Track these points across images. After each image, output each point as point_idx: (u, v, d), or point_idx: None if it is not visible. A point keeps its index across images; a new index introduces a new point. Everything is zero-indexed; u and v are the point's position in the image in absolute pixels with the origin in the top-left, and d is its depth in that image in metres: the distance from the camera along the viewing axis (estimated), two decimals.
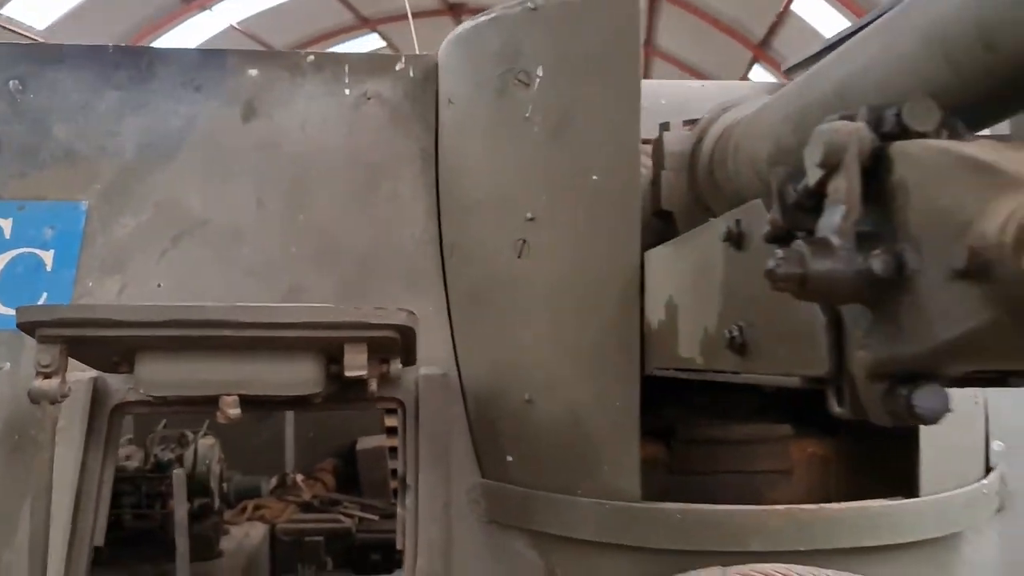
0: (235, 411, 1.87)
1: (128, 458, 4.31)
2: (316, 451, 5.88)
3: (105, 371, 2.10)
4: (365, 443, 5.60)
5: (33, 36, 17.34)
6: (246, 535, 4.73)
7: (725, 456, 2.26)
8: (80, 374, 2.16)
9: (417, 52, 2.81)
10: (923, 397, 0.99)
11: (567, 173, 2.08)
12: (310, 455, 5.91)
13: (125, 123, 2.53)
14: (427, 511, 2.15)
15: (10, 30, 16.71)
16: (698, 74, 22.96)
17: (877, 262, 0.96)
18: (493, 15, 2.24)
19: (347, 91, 2.62)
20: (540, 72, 2.10)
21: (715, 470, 2.24)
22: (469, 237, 2.34)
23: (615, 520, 2.00)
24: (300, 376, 1.88)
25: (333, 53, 2.79)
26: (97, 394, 2.18)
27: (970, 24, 1.09)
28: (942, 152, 0.94)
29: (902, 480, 2.09)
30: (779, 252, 1.00)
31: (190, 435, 4.47)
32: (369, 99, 2.60)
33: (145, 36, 20.33)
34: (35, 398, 1.79)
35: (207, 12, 21.60)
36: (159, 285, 2.35)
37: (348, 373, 1.85)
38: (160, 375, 1.88)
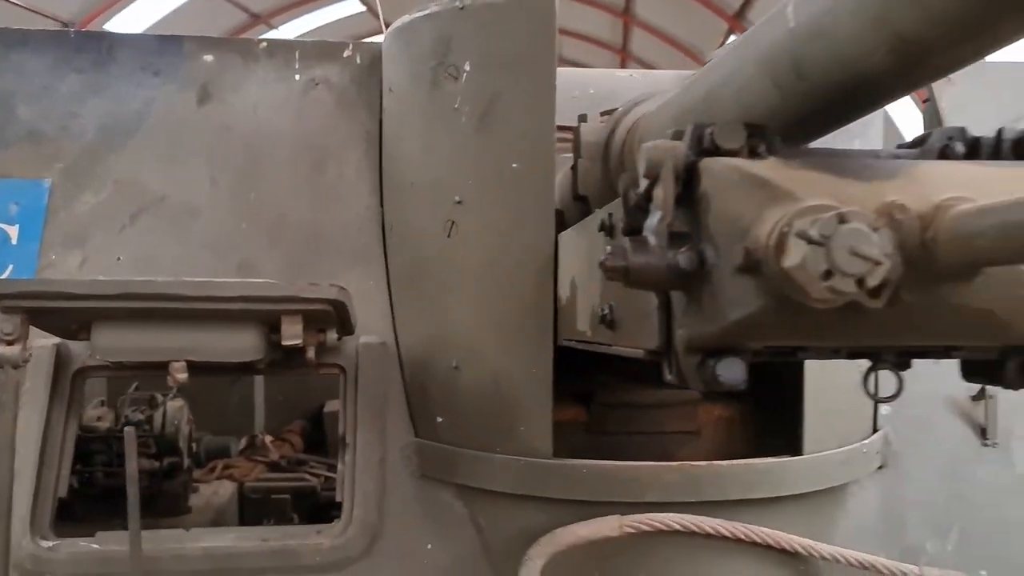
0: (183, 375, 2.07)
1: (100, 419, 4.50)
2: (285, 413, 6.08)
3: (67, 338, 2.29)
4: (332, 406, 5.79)
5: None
6: (215, 492, 4.94)
7: (638, 418, 2.48)
8: (44, 341, 2.35)
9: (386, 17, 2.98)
10: (725, 368, 1.20)
11: (490, 161, 2.27)
12: (279, 417, 6.11)
13: (86, 105, 2.69)
14: (364, 466, 2.37)
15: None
16: (675, 43, 23.19)
17: (683, 257, 1.17)
18: (428, 11, 2.42)
19: (297, 76, 2.79)
20: (468, 67, 2.29)
21: (629, 431, 2.47)
22: (406, 217, 2.53)
23: (529, 474, 2.23)
24: (242, 344, 2.08)
25: (285, 40, 2.95)
26: (60, 359, 2.37)
27: (786, 55, 1.29)
28: (733, 169, 1.15)
29: (791, 440, 2.33)
30: (608, 247, 1.21)
31: (160, 397, 4.65)
32: (318, 84, 2.78)
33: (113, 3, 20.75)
34: None
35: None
36: (118, 259, 2.53)
37: (285, 342, 2.05)
38: (114, 342, 2.07)
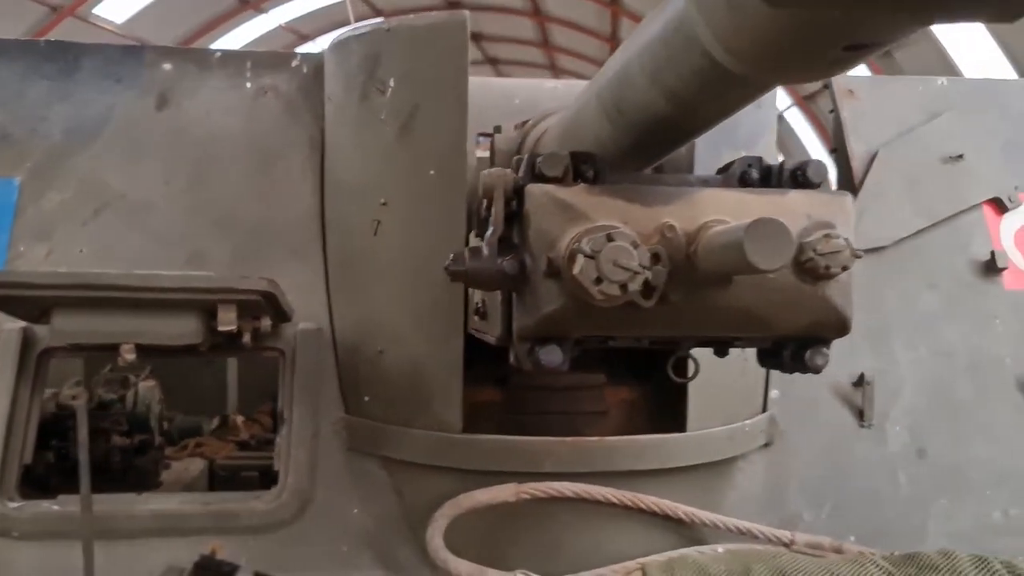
0: (131, 356, 2.35)
1: (75, 398, 4.78)
2: (257, 395, 6.34)
3: (32, 322, 2.56)
4: None
5: (113, 30, 18.06)
6: (185, 469, 5.22)
7: (550, 399, 2.76)
8: (12, 324, 2.62)
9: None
10: (545, 353, 1.49)
11: (410, 168, 2.54)
12: (251, 399, 6.37)
13: (53, 109, 2.95)
14: (298, 439, 2.64)
15: (96, 25, 17.37)
16: None
17: (508, 264, 1.45)
18: (360, 32, 2.68)
19: (248, 84, 3.05)
20: (392, 82, 2.55)
21: (542, 411, 2.75)
22: (341, 215, 2.80)
23: (440, 447, 2.51)
24: (183, 329, 2.35)
25: (238, 51, 3.20)
26: (26, 341, 2.64)
27: (611, 95, 1.57)
28: (546, 194, 1.44)
29: (680, 419, 2.61)
30: (451, 255, 1.49)
31: (132, 378, 4.93)
32: (267, 92, 3.04)
33: (206, 32, 21.33)
34: None
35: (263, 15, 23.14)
36: (81, 251, 2.80)
37: (220, 327, 2.33)
38: (71, 327, 2.34)
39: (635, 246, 1.31)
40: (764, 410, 2.85)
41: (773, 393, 2.88)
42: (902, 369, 2.96)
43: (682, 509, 2.51)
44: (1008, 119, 3.30)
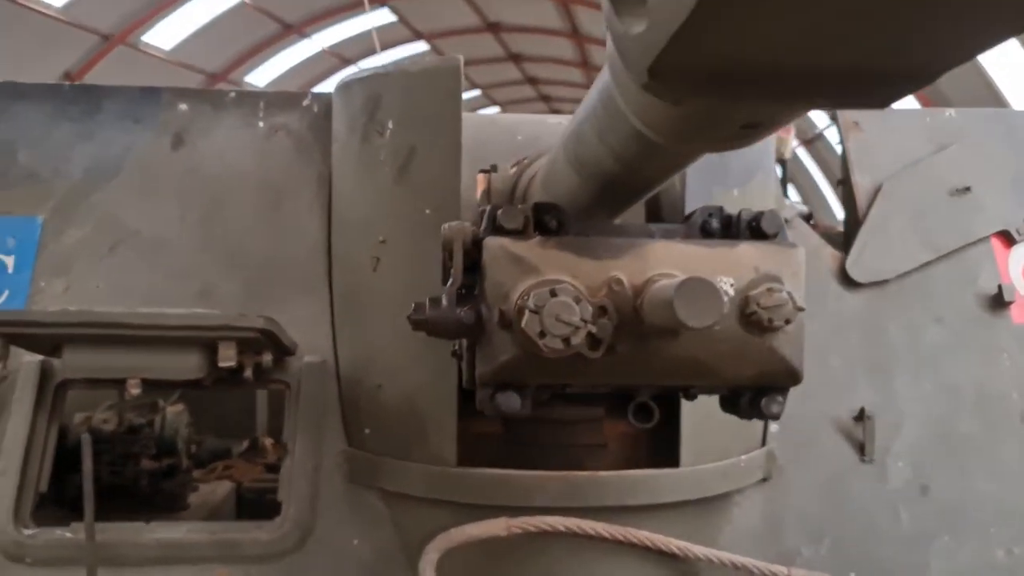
0: (137, 390, 2.45)
1: (105, 422, 4.93)
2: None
3: (48, 356, 2.68)
4: None
5: (162, 56, 18.81)
6: (212, 492, 5.34)
7: (549, 432, 2.80)
8: (31, 357, 2.74)
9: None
10: (502, 399, 1.54)
11: (408, 207, 2.61)
12: (280, 421, 6.46)
13: (75, 150, 3.09)
14: (301, 471, 2.72)
15: (145, 52, 18.10)
16: None
17: (466, 314, 1.51)
18: (363, 75, 2.78)
19: (261, 123, 3.16)
20: (391, 124, 2.63)
21: (540, 443, 2.79)
22: (346, 251, 2.88)
23: (435, 480, 2.56)
24: (186, 365, 2.44)
25: (251, 91, 3.32)
26: (44, 373, 2.76)
27: (572, 146, 1.62)
28: (501, 247, 1.49)
29: (674, 454, 2.63)
30: (413, 305, 1.55)
31: (161, 402, 5.07)
32: (278, 131, 3.14)
33: (251, 57, 21.99)
34: None
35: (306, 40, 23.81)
36: (97, 286, 2.92)
37: (221, 363, 2.41)
38: (79, 362, 2.45)
39: (578, 301, 1.36)
40: (764, 444, 2.85)
41: (772, 427, 2.88)
42: (905, 404, 2.94)
43: (675, 544, 2.52)
44: (1018, 150, 3.27)
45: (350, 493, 2.74)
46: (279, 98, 3.20)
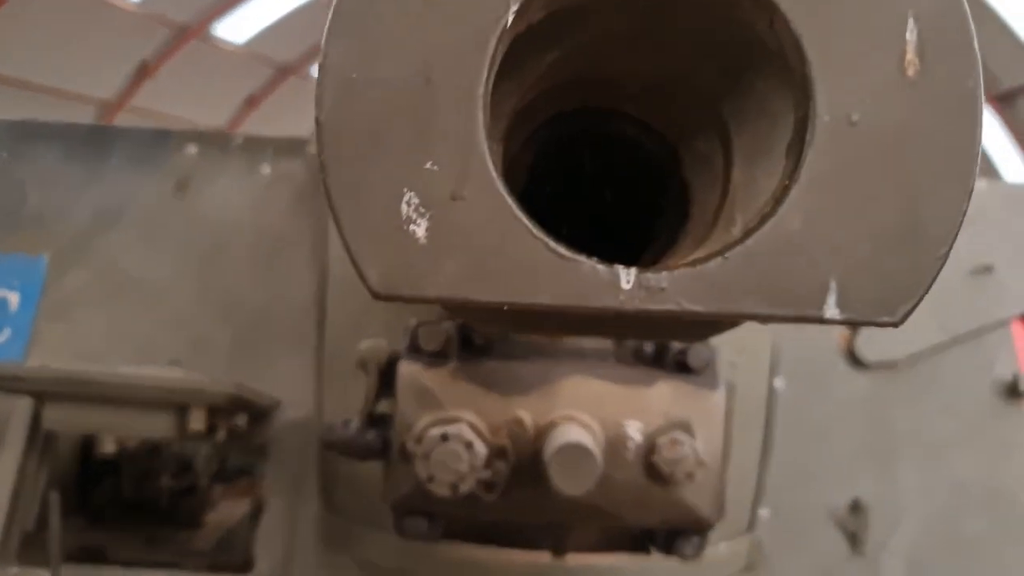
0: (110, 447, 2.48)
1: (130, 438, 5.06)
2: None
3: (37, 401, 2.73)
4: None
5: (129, 7, 19.13)
6: (230, 511, 5.43)
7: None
8: (26, 399, 2.79)
9: None
10: (409, 524, 1.50)
11: None
12: None
13: (84, 191, 3.14)
14: (275, 531, 2.72)
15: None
16: None
17: (374, 439, 1.48)
18: None
19: (266, 170, 3.16)
20: None
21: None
22: (337, 308, 2.87)
23: (404, 554, 2.53)
24: (157, 425, 2.46)
25: (261, 137, 3.32)
26: (36, 415, 2.81)
27: None
28: (411, 374, 1.45)
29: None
30: (326, 425, 1.52)
31: None
32: (281, 178, 3.15)
33: (231, 3, 22.12)
34: None
35: None
36: (94, 333, 2.96)
37: (191, 427, 2.42)
38: (58, 416, 2.49)
39: (469, 446, 1.33)
40: (750, 530, 2.74)
41: (763, 512, 2.77)
42: (906, 496, 2.80)
43: None
44: None
45: (325, 557, 2.72)
46: (286, 144, 3.20)
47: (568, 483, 1.20)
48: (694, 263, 0.86)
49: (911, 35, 0.86)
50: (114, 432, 2.47)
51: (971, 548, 2.75)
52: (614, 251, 0.90)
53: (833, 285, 0.86)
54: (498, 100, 0.97)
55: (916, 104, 0.87)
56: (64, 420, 2.50)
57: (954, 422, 2.87)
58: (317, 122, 0.91)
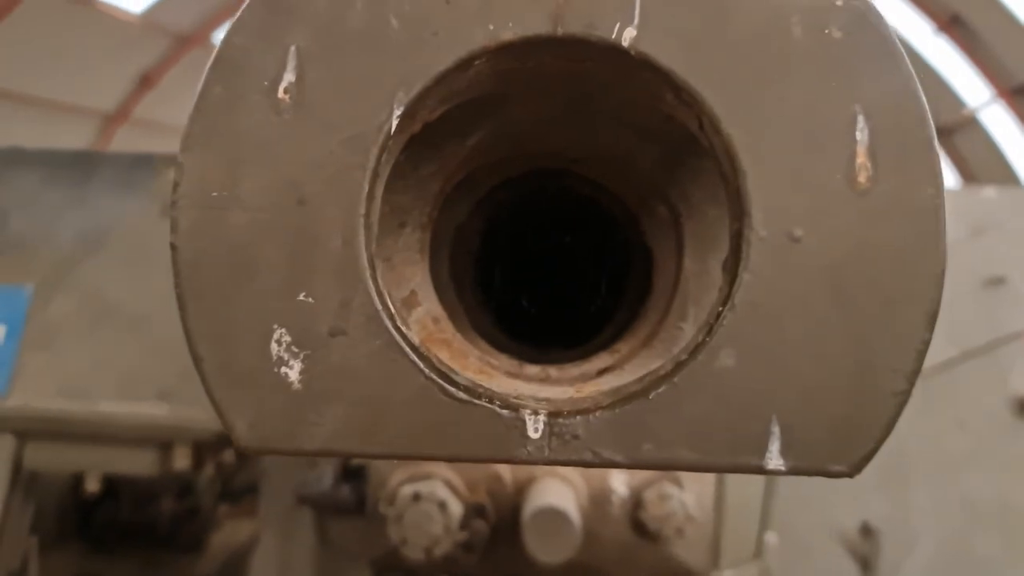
0: (95, 485, 2.40)
1: None
2: None
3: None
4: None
5: (129, 18, 19.06)
6: (233, 533, 5.36)
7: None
8: (10, 438, 2.72)
9: None
10: None
11: None
12: None
13: (65, 217, 3.06)
14: (267, 566, 2.64)
15: (109, 15, 18.37)
16: None
17: (348, 495, 1.40)
18: None
19: None
20: None
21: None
22: None
23: None
24: (142, 463, 2.39)
25: None
26: (19, 455, 2.74)
27: None
28: None
29: None
30: (298, 478, 1.44)
31: None
32: None
33: (230, 13, 21.94)
34: None
35: None
36: (78, 363, 2.88)
37: (176, 465, 2.35)
38: (40, 456, 2.42)
39: (443, 507, 1.25)
40: (757, 555, 2.65)
41: (770, 537, 2.68)
42: (919, 518, 2.71)
43: None
44: None
45: None
46: None
47: (545, 551, 1.12)
48: (613, 405, 0.75)
49: (861, 134, 0.74)
50: (97, 470, 2.39)
51: (985, 568, 2.65)
52: (572, 321, 0.81)
53: (775, 431, 0.75)
54: (418, 183, 0.88)
55: (869, 216, 0.76)
56: (46, 460, 2.43)
57: (967, 439, 2.78)
58: (172, 248, 0.81)
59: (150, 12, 19.61)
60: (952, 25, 15.83)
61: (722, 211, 0.77)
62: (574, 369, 1.02)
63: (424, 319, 0.98)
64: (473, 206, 1.08)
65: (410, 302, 0.98)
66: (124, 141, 20.43)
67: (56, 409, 2.36)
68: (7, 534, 2.73)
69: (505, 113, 0.89)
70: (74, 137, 19.47)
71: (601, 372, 0.99)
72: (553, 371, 1.01)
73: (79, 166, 3.12)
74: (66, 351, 2.91)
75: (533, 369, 1.01)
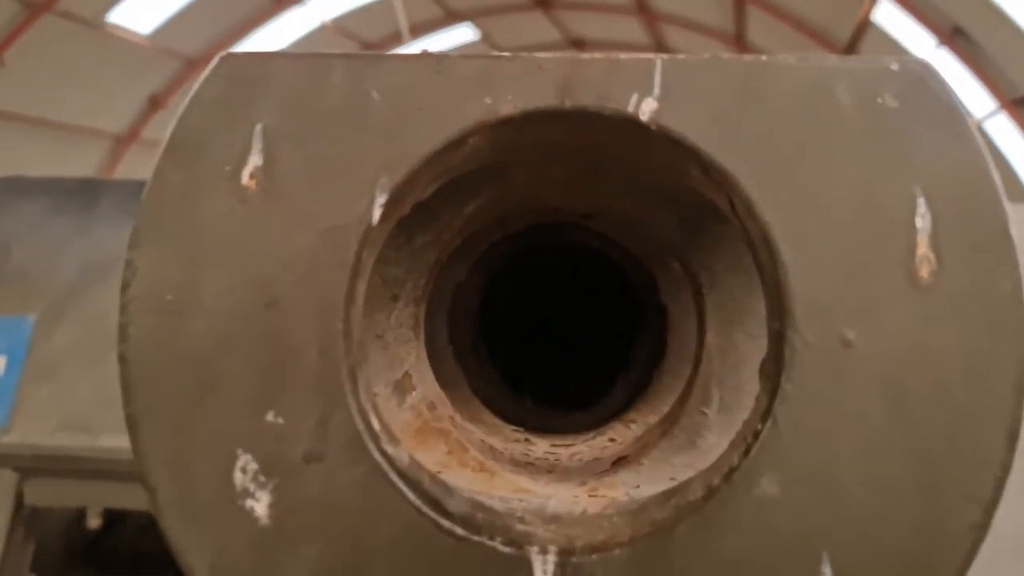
0: (96, 521, 2.36)
1: None
2: None
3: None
4: None
5: (139, 41, 19.15)
6: None
7: None
8: (12, 473, 2.69)
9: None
10: None
11: None
12: None
13: (70, 247, 3.04)
14: None
15: (120, 37, 18.49)
16: (800, 26, 20.73)
17: None
18: None
19: None
20: None
21: None
22: None
23: None
24: (142, 499, 2.34)
25: None
26: (20, 488, 2.71)
27: None
28: None
29: None
30: None
31: None
32: None
33: (240, 35, 21.97)
34: None
35: (300, 6, 22.91)
36: (80, 394, 2.85)
37: None
38: (41, 491, 2.39)
39: None
40: None
41: None
42: None
43: None
44: None
45: None
46: None
47: None
48: (633, 540, 0.63)
49: (922, 220, 0.63)
50: (100, 505, 2.35)
51: None
52: (581, 379, 0.74)
53: (827, 572, 0.63)
54: (411, 255, 0.80)
55: (933, 317, 0.64)
56: (47, 496, 2.40)
57: None
58: (121, 361, 0.73)
59: (159, 34, 19.70)
60: (954, 37, 15.74)
61: (749, 279, 0.69)
62: (585, 448, 0.92)
63: (419, 405, 0.90)
64: (473, 263, 1.00)
65: (404, 386, 0.89)
66: (133, 161, 20.52)
67: (57, 446, 2.32)
68: (7, 571, 2.69)
69: (507, 180, 0.82)
70: (86, 158, 19.57)
71: (616, 463, 0.88)
72: (563, 452, 0.92)
73: (83, 194, 3.10)
74: (68, 383, 2.88)
75: (540, 449, 0.91)
